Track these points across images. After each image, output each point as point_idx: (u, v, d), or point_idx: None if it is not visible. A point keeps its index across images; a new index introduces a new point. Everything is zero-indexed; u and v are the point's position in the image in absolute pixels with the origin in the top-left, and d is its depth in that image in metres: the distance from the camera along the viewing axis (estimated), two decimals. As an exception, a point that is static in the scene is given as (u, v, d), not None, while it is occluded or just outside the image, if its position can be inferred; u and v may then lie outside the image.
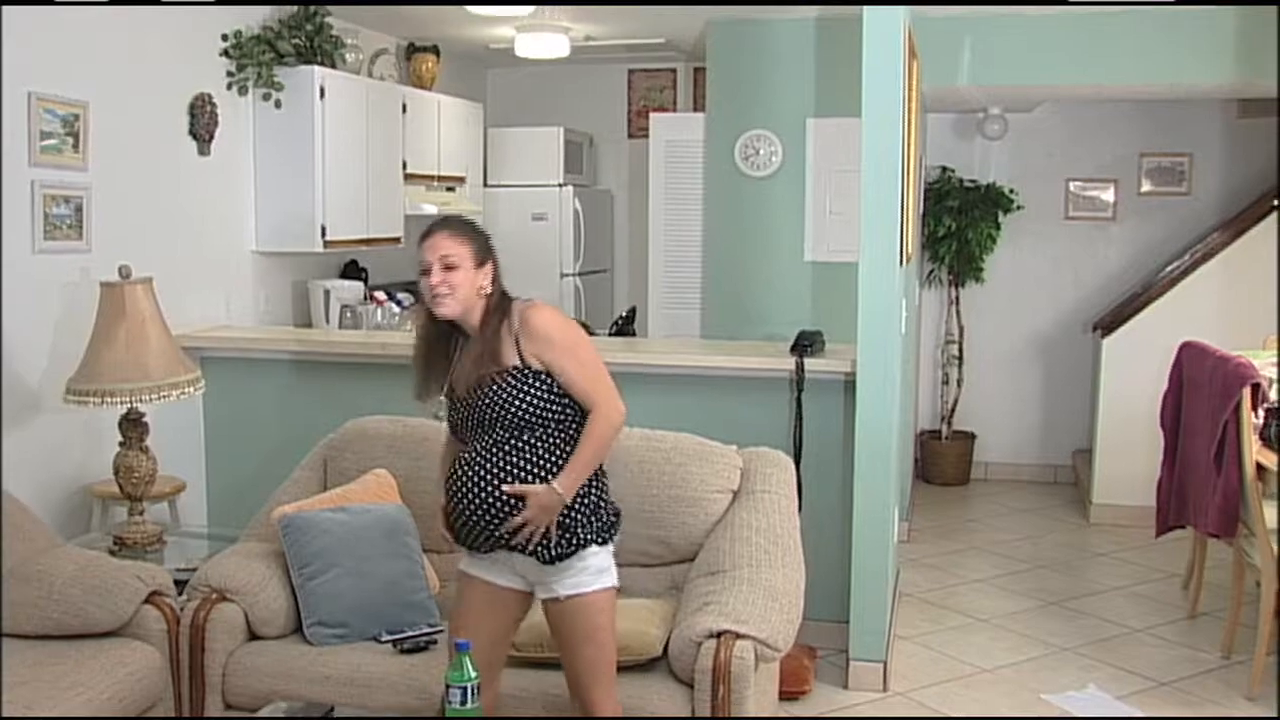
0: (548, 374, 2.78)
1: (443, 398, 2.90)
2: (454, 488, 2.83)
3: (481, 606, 2.91)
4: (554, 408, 2.79)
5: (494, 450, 2.79)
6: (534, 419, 2.78)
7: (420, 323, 2.95)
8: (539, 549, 2.79)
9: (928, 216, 7.18)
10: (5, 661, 3.10)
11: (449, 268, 2.77)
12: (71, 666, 3.14)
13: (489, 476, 2.78)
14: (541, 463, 2.79)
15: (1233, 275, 6.44)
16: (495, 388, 2.77)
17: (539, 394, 2.78)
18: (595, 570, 2.83)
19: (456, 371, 2.86)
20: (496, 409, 2.76)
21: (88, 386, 3.91)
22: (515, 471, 2.78)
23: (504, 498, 2.77)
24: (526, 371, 2.78)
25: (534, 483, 2.77)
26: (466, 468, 2.81)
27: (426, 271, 2.79)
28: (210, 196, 5.22)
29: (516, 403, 2.76)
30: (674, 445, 3.71)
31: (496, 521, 2.79)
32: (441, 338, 2.89)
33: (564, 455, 2.80)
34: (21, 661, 3.14)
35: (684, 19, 6.32)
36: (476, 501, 2.79)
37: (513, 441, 2.78)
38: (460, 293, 2.77)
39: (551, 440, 2.80)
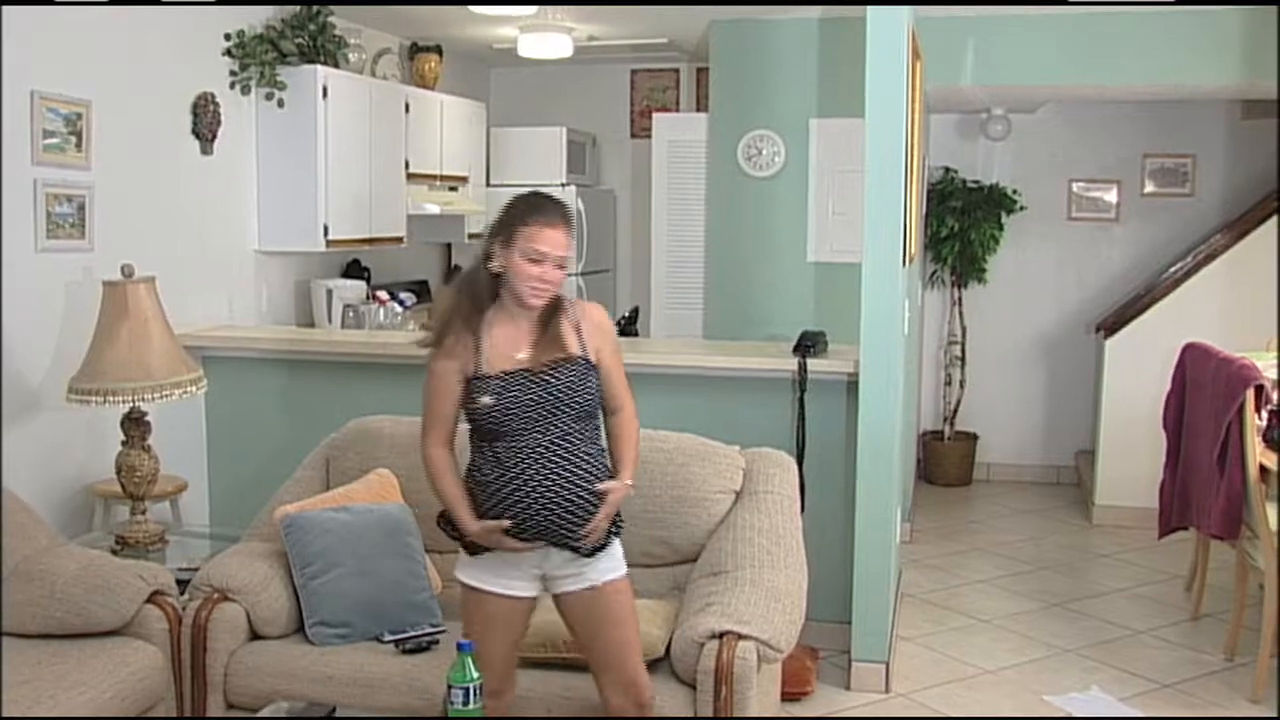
0: (597, 368, 2.84)
1: (488, 394, 2.74)
2: (534, 482, 2.73)
3: (501, 623, 2.87)
4: (599, 401, 2.85)
5: (564, 441, 2.76)
6: (592, 409, 2.82)
7: (474, 283, 2.82)
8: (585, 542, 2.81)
9: (930, 217, 7.17)
10: (7, 660, 3.10)
11: (560, 266, 2.76)
12: (73, 665, 3.14)
13: (576, 469, 2.76)
14: (596, 456, 2.83)
15: (1236, 277, 6.44)
16: (569, 374, 2.78)
17: (596, 386, 2.83)
18: (619, 556, 2.92)
19: (509, 352, 2.78)
20: (570, 394, 2.76)
21: (90, 385, 3.91)
22: (585, 464, 2.78)
23: (592, 494, 2.77)
24: (588, 363, 2.82)
25: (599, 477, 2.80)
26: (541, 460, 2.74)
27: (538, 261, 2.73)
28: (213, 196, 5.22)
29: (585, 391, 2.79)
30: (676, 446, 3.71)
31: (584, 518, 2.77)
32: (481, 307, 2.81)
33: (603, 449, 2.86)
34: (24, 660, 3.14)
35: (687, 19, 6.32)
36: (569, 495, 2.75)
37: (579, 432, 2.79)
38: (557, 289, 2.80)
39: (596, 433, 2.86)
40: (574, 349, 2.81)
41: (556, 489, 2.74)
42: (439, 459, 2.87)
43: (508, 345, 2.79)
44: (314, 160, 5.48)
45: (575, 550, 2.80)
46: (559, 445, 2.76)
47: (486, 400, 2.75)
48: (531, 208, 2.77)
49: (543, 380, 2.76)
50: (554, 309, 2.83)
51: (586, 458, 2.79)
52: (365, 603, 3.45)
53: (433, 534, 3.74)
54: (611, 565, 2.88)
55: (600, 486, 2.78)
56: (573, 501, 2.75)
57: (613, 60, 7.65)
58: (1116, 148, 7.38)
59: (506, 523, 2.74)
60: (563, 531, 2.77)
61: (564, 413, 2.77)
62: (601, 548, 2.84)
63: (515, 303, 2.79)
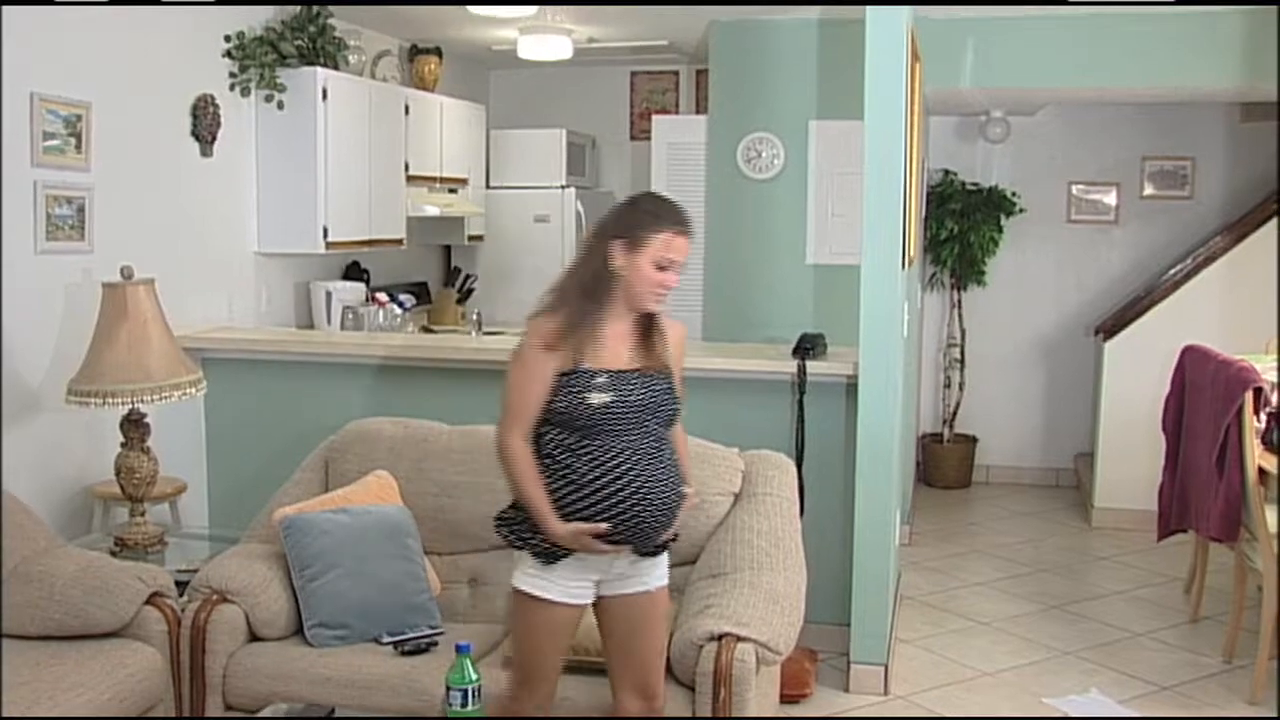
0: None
1: (596, 390, 2.71)
2: (637, 483, 2.71)
3: (562, 632, 2.84)
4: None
5: (658, 445, 2.79)
6: (676, 417, 2.86)
7: (598, 281, 2.76)
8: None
9: (930, 219, 7.18)
10: (6, 662, 3.10)
11: (678, 272, 2.79)
12: (72, 667, 3.14)
13: (668, 474, 2.79)
14: (678, 462, 2.87)
15: (1235, 279, 6.44)
16: (664, 380, 2.82)
17: (677, 395, 2.87)
18: (666, 564, 2.95)
19: (615, 352, 2.77)
20: (666, 400, 2.80)
21: (89, 387, 3.91)
22: (674, 469, 2.83)
23: (680, 497, 2.82)
24: (670, 372, 2.86)
25: (681, 482, 2.85)
26: (641, 461, 2.73)
27: (664, 268, 2.75)
28: (212, 197, 5.22)
29: (674, 399, 2.83)
30: (675, 447, 3.70)
31: (670, 522, 2.80)
32: (600, 305, 2.76)
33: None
34: (23, 662, 3.14)
35: (686, 21, 6.32)
36: (664, 499, 2.77)
37: (666, 438, 2.83)
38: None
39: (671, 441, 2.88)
40: (664, 359, 2.85)
41: (655, 491, 2.74)
42: (525, 454, 2.75)
43: (614, 345, 2.78)
44: (314, 162, 5.48)
45: (652, 553, 2.82)
46: (654, 448, 2.77)
47: (599, 397, 2.70)
48: (662, 214, 2.77)
49: (646, 383, 2.78)
50: (650, 315, 2.84)
51: (674, 462, 2.83)
52: (364, 604, 3.46)
53: (432, 535, 3.76)
54: (663, 571, 2.92)
55: (686, 489, 2.84)
56: (666, 504, 2.77)
57: (612, 62, 7.65)
58: (1116, 150, 7.38)
59: (604, 526, 2.69)
60: (652, 534, 2.77)
61: (658, 417, 2.79)
62: (663, 548, 2.88)
63: (630, 305, 2.78)
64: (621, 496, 2.70)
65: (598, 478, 2.70)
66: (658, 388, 2.80)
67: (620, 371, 2.76)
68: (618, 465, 2.71)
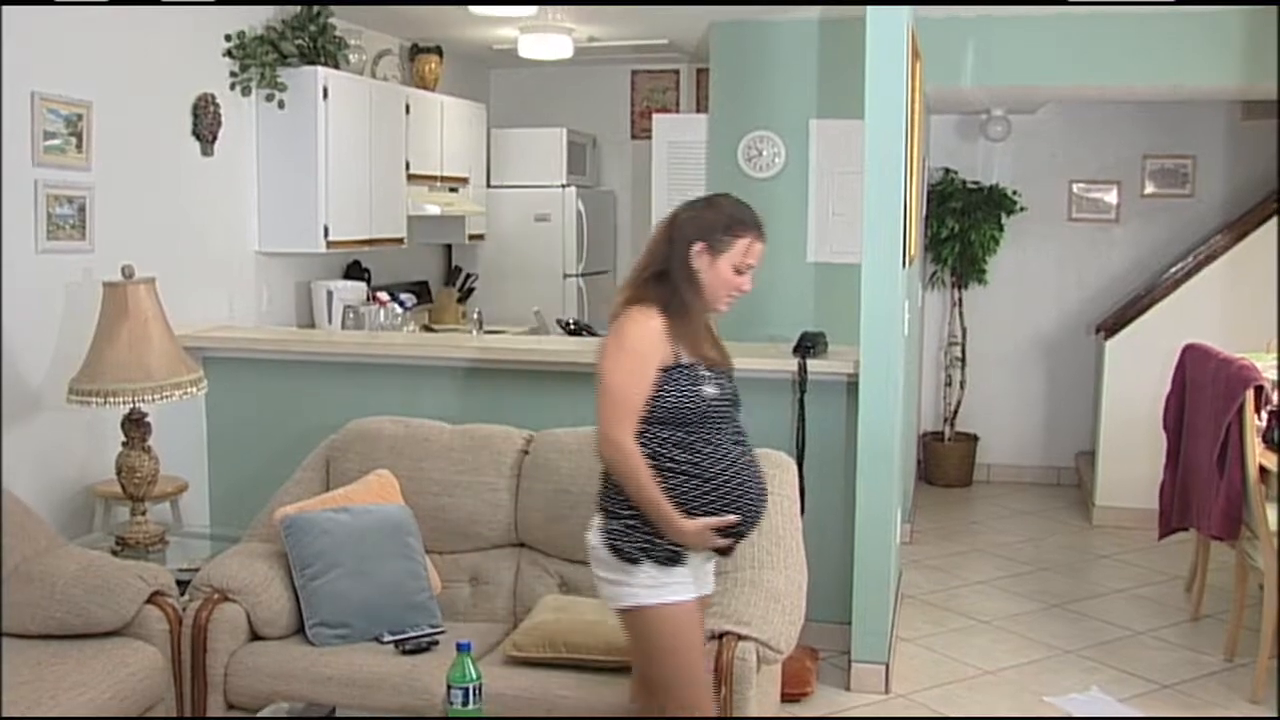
0: None
1: (705, 378, 2.72)
2: (752, 477, 2.75)
3: (701, 626, 2.81)
4: None
5: (745, 436, 2.81)
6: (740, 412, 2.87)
7: (690, 280, 2.73)
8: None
9: (930, 218, 7.17)
10: (8, 661, 3.11)
11: (753, 275, 2.80)
12: (73, 666, 3.14)
13: (758, 463, 2.81)
14: None
15: (1236, 277, 6.44)
16: (734, 377, 2.85)
17: None
18: None
19: (704, 349, 2.77)
20: (737, 394, 2.84)
21: (90, 386, 3.91)
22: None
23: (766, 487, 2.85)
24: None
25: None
26: (747, 453, 2.77)
27: (742, 272, 2.77)
28: (213, 197, 5.22)
29: (739, 395, 2.86)
30: (676, 446, 3.70)
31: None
32: (693, 301, 2.76)
33: None
34: (24, 661, 3.14)
35: (687, 20, 6.32)
36: (764, 487, 2.80)
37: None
38: None
39: None
40: (729, 356, 2.88)
41: (760, 479, 2.77)
42: (639, 455, 2.66)
43: (703, 342, 2.78)
44: (314, 161, 5.48)
45: (723, 553, 2.81)
46: (744, 439, 2.80)
47: (710, 389, 2.71)
48: (745, 218, 2.78)
49: (729, 378, 2.82)
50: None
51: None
52: (365, 603, 3.46)
53: (433, 534, 3.76)
54: (714, 576, 2.93)
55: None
56: (766, 492, 2.80)
57: (613, 61, 7.65)
58: (1117, 148, 7.38)
59: (734, 518, 2.67)
60: (758, 523, 2.79)
61: (739, 410, 2.83)
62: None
63: (705, 305, 2.78)
64: (745, 488, 2.72)
65: (722, 470, 2.69)
66: (734, 383, 2.84)
67: (713, 365, 2.78)
68: (734, 457, 2.72)
